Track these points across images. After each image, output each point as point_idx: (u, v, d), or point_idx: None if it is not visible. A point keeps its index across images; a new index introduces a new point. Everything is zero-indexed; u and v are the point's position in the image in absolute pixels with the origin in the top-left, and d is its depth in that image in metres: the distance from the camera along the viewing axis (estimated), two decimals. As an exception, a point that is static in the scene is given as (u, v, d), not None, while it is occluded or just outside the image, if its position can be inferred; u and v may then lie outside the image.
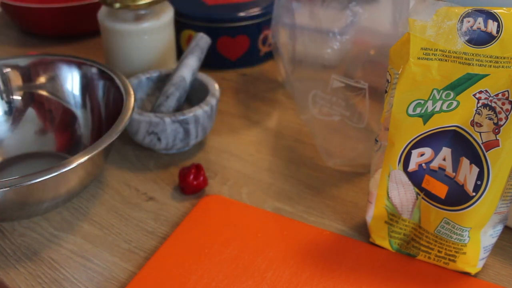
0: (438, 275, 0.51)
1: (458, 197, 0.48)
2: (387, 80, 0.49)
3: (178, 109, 0.68)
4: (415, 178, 0.50)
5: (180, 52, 0.83)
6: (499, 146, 0.45)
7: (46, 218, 0.59)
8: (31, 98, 0.68)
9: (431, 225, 0.50)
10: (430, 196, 0.50)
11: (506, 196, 0.47)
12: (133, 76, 0.71)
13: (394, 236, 0.54)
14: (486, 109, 0.45)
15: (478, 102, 0.45)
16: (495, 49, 0.43)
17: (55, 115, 0.69)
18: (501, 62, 0.43)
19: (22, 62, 0.68)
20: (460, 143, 0.47)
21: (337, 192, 0.63)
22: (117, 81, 0.63)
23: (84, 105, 0.68)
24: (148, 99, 0.72)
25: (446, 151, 0.48)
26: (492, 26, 0.43)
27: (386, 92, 0.49)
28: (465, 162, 0.47)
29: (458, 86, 0.45)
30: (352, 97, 0.62)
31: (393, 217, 0.53)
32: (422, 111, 0.47)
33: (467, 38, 0.43)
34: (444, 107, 0.46)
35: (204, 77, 0.70)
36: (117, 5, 0.71)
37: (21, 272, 0.53)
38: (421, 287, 0.50)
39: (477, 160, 0.46)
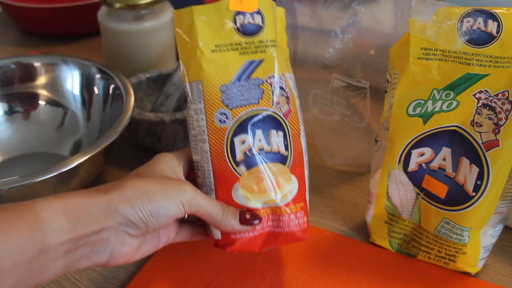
0: (438, 275, 0.51)
1: (458, 197, 0.48)
2: (387, 80, 0.49)
3: (178, 109, 0.68)
4: (415, 178, 0.50)
5: (180, 52, 0.83)
6: (499, 146, 0.45)
7: (46, 218, 0.58)
8: (31, 98, 0.68)
9: (431, 225, 0.50)
10: (430, 196, 0.50)
11: (506, 196, 0.47)
12: (133, 76, 0.71)
13: (394, 236, 0.54)
14: (486, 109, 0.45)
15: (478, 102, 0.45)
16: (495, 49, 0.43)
17: (55, 115, 0.69)
18: (501, 62, 0.43)
19: (22, 62, 0.68)
20: (460, 143, 0.47)
21: (337, 192, 0.63)
22: (117, 81, 0.63)
23: (84, 105, 0.68)
24: (148, 99, 0.72)
25: (446, 151, 0.48)
26: (492, 26, 0.43)
27: (386, 92, 0.49)
28: (465, 162, 0.47)
29: (458, 86, 0.45)
30: (352, 97, 0.62)
31: (393, 217, 0.53)
32: (422, 111, 0.47)
33: (467, 38, 0.43)
34: (444, 107, 0.46)
35: (204, 77, 0.70)
36: (117, 5, 0.71)
37: (21, 272, 0.53)
38: (421, 287, 0.50)
39: (477, 160, 0.46)
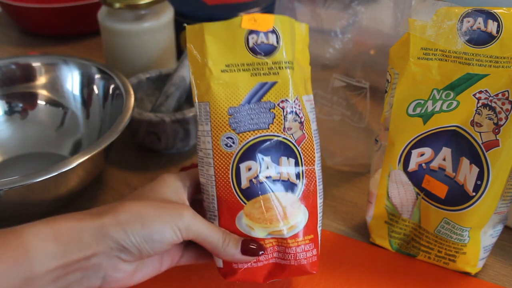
0: (438, 275, 0.51)
1: (458, 197, 0.48)
2: (387, 80, 0.49)
3: (178, 109, 0.68)
4: (415, 178, 0.50)
5: (180, 52, 0.83)
6: (499, 146, 0.45)
7: (46, 218, 0.59)
8: (31, 98, 0.68)
9: (431, 225, 0.50)
10: (430, 196, 0.50)
11: (506, 196, 0.47)
12: (133, 76, 0.71)
13: (394, 236, 0.54)
14: (486, 109, 0.45)
15: (478, 102, 0.45)
16: (495, 49, 0.43)
17: (55, 115, 0.69)
18: (501, 62, 0.43)
19: (22, 62, 0.68)
20: (460, 143, 0.47)
21: (337, 192, 0.63)
22: (117, 81, 0.63)
23: (84, 105, 0.68)
24: (148, 99, 0.72)
25: (446, 151, 0.48)
26: (492, 26, 0.43)
27: (386, 92, 0.49)
28: (465, 162, 0.47)
29: (458, 86, 0.45)
30: (353, 97, 0.62)
31: (393, 217, 0.53)
32: (422, 111, 0.47)
33: (467, 38, 0.43)
34: (444, 107, 0.46)
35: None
36: (117, 5, 0.71)
37: (21, 272, 0.53)
38: (421, 287, 0.50)
39: (477, 160, 0.46)
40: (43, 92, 0.69)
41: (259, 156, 0.42)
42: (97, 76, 0.67)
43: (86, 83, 0.67)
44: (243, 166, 0.42)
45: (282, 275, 0.44)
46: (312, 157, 0.44)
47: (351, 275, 0.51)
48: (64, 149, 0.67)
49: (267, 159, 0.43)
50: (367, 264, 0.53)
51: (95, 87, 0.67)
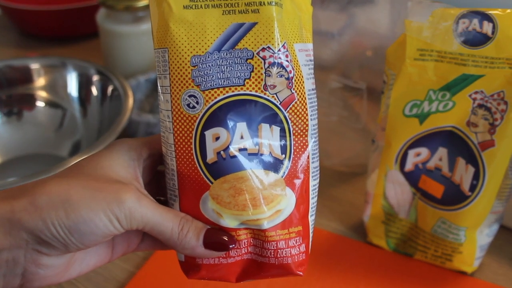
0: (435, 274, 0.52)
1: (454, 197, 0.48)
2: (384, 81, 0.49)
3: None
4: (412, 178, 0.50)
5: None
6: (494, 146, 0.45)
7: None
8: (30, 100, 0.69)
9: (427, 225, 0.51)
10: (427, 196, 0.50)
11: (501, 195, 0.48)
12: (132, 78, 0.71)
13: (391, 235, 0.54)
14: (482, 109, 0.45)
15: (473, 103, 0.45)
16: (491, 50, 0.43)
17: (54, 116, 0.69)
18: (496, 63, 0.43)
19: (22, 63, 0.69)
20: (456, 143, 0.47)
21: (334, 192, 0.63)
22: (116, 82, 0.64)
23: (83, 106, 0.68)
24: (147, 100, 0.72)
25: (442, 151, 0.48)
26: (487, 27, 0.43)
27: (382, 92, 0.50)
28: (461, 162, 0.47)
29: (454, 86, 0.45)
30: (350, 98, 0.62)
31: (390, 216, 0.53)
32: (419, 112, 0.47)
33: (462, 39, 0.44)
34: (440, 108, 0.46)
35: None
36: (116, 7, 0.72)
37: (20, 272, 0.53)
38: (418, 286, 0.51)
39: (473, 160, 0.46)
40: (42, 94, 0.69)
41: (231, 121, 0.33)
42: (95, 77, 0.67)
43: (85, 85, 0.68)
44: (209, 133, 0.33)
45: (260, 275, 0.36)
46: (304, 125, 0.35)
47: (348, 275, 0.52)
48: (63, 150, 0.67)
49: (242, 126, 0.33)
50: (364, 264, 0.53)
51: (93, 89, 0.67)
